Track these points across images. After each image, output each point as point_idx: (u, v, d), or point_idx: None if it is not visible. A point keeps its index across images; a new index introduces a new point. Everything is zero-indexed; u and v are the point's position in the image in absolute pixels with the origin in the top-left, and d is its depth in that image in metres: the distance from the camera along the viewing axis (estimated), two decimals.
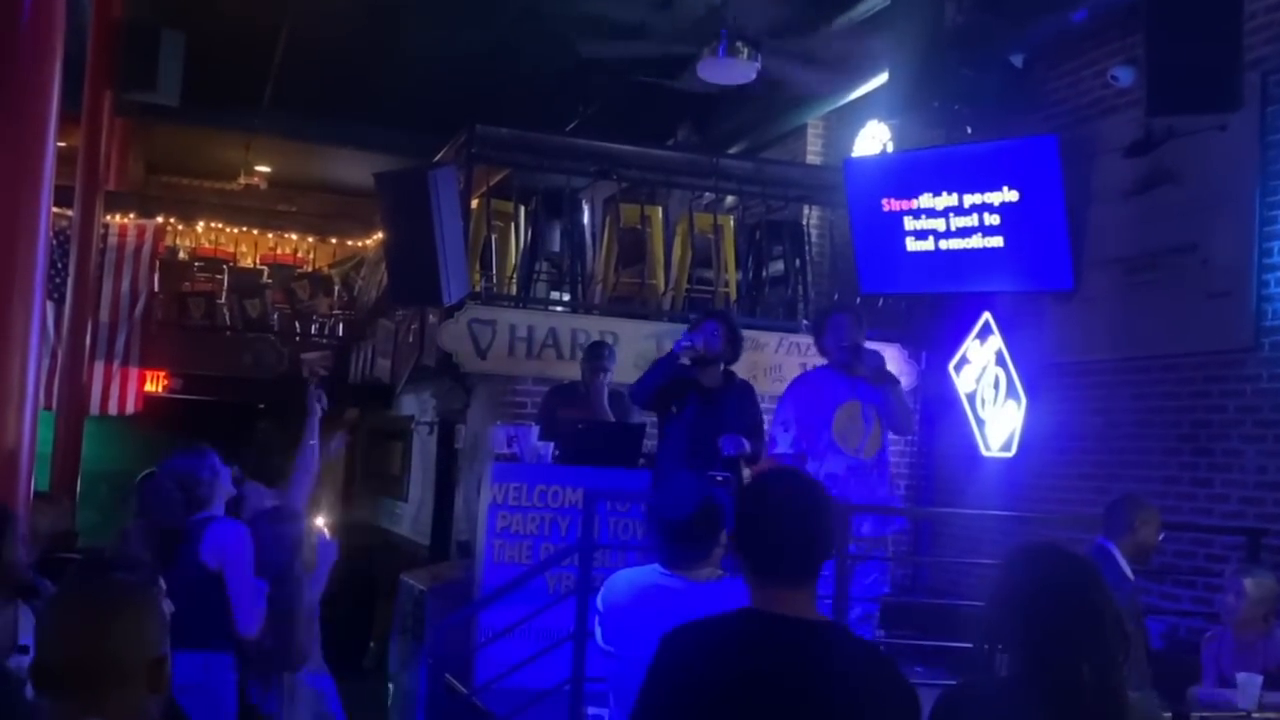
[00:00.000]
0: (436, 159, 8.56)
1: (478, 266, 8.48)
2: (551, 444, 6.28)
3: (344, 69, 10.96)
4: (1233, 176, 6.33)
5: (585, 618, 5.04)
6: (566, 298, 9.55)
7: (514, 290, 8.85)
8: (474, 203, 8.56)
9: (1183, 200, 6.67)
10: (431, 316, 8.26)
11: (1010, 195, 7.29)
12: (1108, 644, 2.13)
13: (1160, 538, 4.93)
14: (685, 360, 6.00)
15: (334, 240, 14.91)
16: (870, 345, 8.10)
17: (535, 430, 6.37)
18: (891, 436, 6.22)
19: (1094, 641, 2.12)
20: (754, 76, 8.49)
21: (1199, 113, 6.12)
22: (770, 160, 9.86)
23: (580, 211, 9.95)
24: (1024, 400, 7.58)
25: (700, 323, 6.21)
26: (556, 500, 6.19)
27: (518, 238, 9.17)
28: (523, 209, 9.25)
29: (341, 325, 13.26)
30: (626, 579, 3.21)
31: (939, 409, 8.37)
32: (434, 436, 9.11)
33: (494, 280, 8.86)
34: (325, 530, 5.33)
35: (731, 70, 8.40)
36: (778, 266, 9.51)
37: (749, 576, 2.28)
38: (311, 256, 14.94)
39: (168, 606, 3.61)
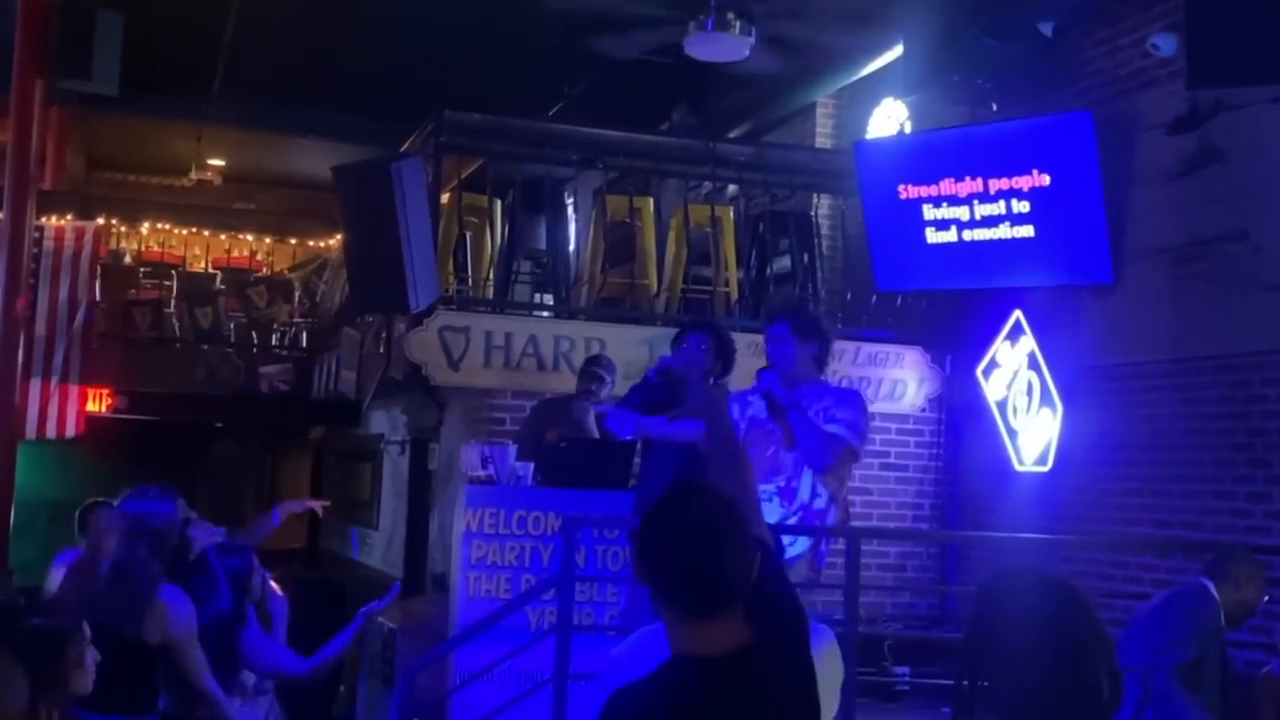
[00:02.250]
0: (402, 149, 8.51)
1: (449, 268, 8.45)
2: (531, 465, 6.21)
3: (301, 50, 10.93)
4: None
5: (567, 657, 4.98)
6: (549, 301, 9.50)
7: (490, 294, 8.81)
8: (444, 197, 8.54)
9: (1233, 182, 6.63)
10: (399, 324, 8.21)
11: (1041, 179, 7.25)
12: (1093, 678, 2.12)
13: (1264, 599, 4.91)
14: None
15: (294, 241, 14.94)
16: (886, 348, 8.10)
17: (513, 450, 6.29)
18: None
19: (1077, 675, 2.11)
20: (747, 52, 8.42)
21: (1246, 85, 6.08)
22: (774, 144, 9.84)
23: (563, 205, 9.91)
24: (1060, 408, 7.53)
25: (682, 337, 6.01)
26: (538, 527, 6.10)
27: (493, 235, 9.11)
28: (499, 203, 9.20)
29: (303, 335, 13.23)
30: (628, 649, 3.08)
31: (966, 419, 8.33)
32: (405, 457, 9.05)
33: (468, 283, 8.82)
34: (275, 585, 5.25)
35: (722, 45, 8.33)
36: (784, 262, 9.48)
37: (661, 612, 2.24)
38: (269, 259, 14.93)
39: (92, 656, 3.57)
